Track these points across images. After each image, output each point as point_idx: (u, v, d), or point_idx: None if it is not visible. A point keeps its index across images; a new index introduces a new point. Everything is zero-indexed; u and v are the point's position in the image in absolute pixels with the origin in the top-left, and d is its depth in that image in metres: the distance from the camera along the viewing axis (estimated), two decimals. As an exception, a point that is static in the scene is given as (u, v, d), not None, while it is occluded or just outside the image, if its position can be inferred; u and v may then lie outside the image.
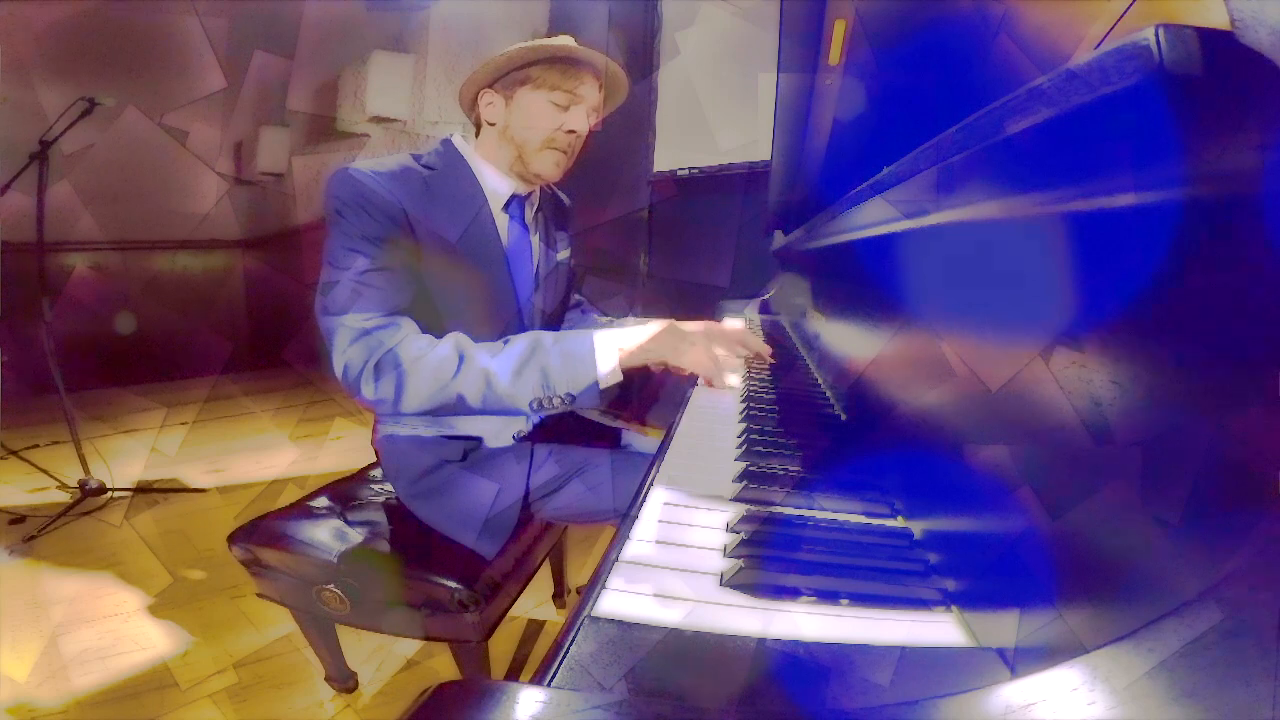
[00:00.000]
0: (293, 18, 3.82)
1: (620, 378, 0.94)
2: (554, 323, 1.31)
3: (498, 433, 1.13)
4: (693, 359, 0.99)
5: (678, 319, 1.35)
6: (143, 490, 2.34)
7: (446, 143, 1.12)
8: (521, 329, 1.17)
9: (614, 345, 0.95)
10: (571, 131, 1.07)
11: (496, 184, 1.11)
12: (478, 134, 1.14)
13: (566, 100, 1.06)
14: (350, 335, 0.91)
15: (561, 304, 1.32)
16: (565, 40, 1.06)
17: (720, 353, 1.08)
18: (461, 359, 0.92)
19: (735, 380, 1.05)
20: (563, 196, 1.32)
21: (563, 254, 1.27)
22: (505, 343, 0.97)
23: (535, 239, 1.20)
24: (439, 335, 0.97)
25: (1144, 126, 0.24)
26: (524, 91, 1.06)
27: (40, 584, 1.75)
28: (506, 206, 1.13)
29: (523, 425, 1.17)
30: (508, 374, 0.92)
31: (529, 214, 1.18)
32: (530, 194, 1.16)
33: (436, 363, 0.91)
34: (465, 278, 1.07)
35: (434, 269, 1.03)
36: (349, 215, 0.96)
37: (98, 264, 4.00)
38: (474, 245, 1.08)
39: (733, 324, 1.64)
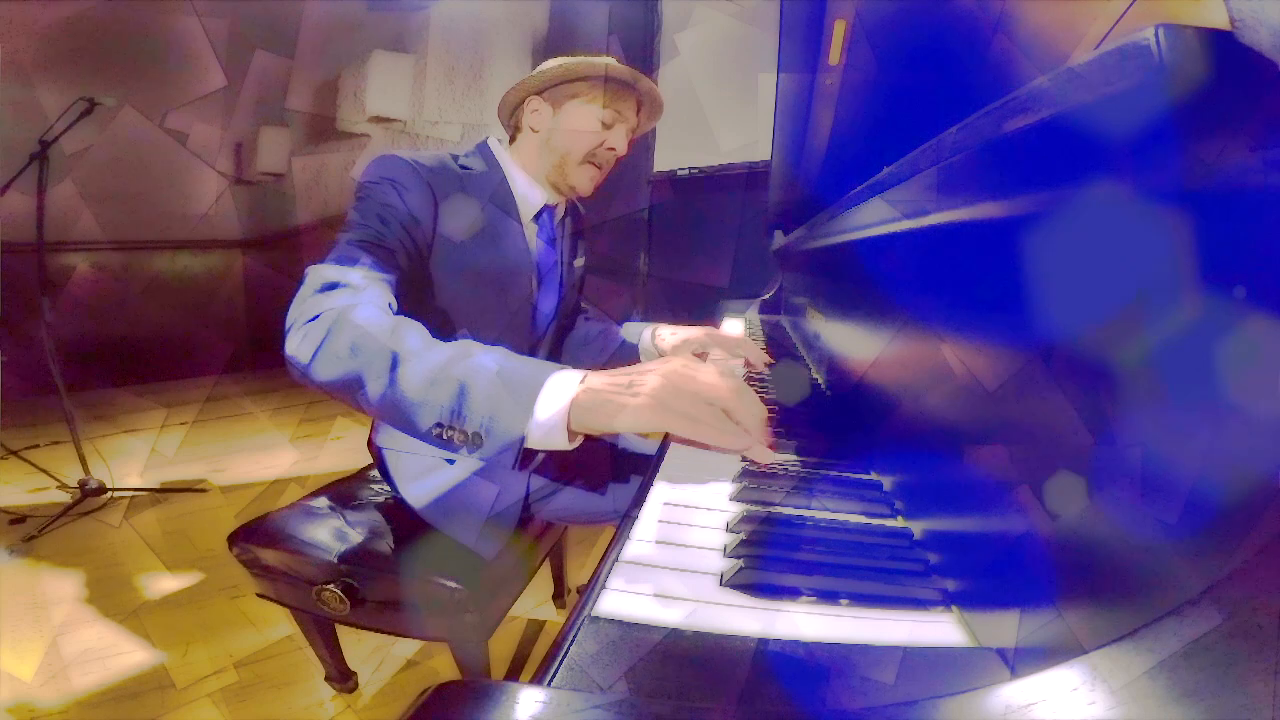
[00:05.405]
0: (293, 18, 3.83)
1: (565, 445, 0.61)
2: (566, 331, 1.32)
3: None
4: (704, 432, 0.60)
5: (677, 320, 1.34)
6: (143, 490, 2.34)
7: (483, 146, 1.12)
8: (536, 336, 1.17)
9: (575, 400, 0.60)
10: (612, 149, 1.09)
11: (529, 192, 1.12)
12: (512, 140, 1.15)
13: (612, 119, 1.09)
14: (316, 284, 0.78)
15: (574, 311, 1.33)
16: (612, 63, 1.08)
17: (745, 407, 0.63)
18: (389, 333, 0.69)
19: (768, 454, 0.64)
20: (579, 205, 1.33)
21: (579, 261, 1.28)
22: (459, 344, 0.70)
23: (560, 248, 1.21)
24: (449, 339, 0.89)
25: (1144, 126, 0.24)
26: (573, 104, 1.08)
27: (40, 584, 1.75)
28: (536, 216, 1.13)
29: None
30: (421, 374, 0.64)
31: (555, 222, 1.18)
32: (558, 204, 1.17)
33: (365, 329, 0.69)
34: (487, 282, 1.06)
35: (455, 270, 1.02)
36: (377, 188, 0.94)
37: (98, 264, 4.00)
38: (501, 251, 1.08)
39: (732, 325, 1.64)
